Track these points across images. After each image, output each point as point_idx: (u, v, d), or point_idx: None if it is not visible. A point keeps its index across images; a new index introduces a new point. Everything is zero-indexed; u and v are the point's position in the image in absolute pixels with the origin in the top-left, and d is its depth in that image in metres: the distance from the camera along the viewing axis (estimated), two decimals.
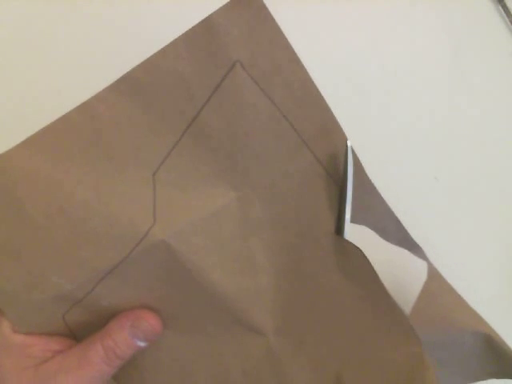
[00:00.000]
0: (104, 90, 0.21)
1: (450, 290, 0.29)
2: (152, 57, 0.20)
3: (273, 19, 0.21)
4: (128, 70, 0.20)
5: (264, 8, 0.20)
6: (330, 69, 0.35)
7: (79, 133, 0.21)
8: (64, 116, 0.21)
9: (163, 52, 0.20)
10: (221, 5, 0.20)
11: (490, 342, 0.27)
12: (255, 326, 0.25)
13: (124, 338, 0.24)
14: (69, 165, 0.21)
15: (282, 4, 0.36)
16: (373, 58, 0.35)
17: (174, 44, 0.20)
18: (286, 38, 0.21)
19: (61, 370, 0.23)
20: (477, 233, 0.34)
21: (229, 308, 0.24)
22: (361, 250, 0.23)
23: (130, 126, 0.21)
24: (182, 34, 0.20)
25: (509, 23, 0.37)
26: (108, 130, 0.21)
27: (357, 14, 0.36)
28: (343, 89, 0.34)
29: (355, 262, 0.23)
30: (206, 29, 0.20)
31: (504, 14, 0.37)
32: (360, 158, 0.23)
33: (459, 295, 0.29)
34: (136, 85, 0.21)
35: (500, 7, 0.37)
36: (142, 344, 0.25)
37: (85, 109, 0.21)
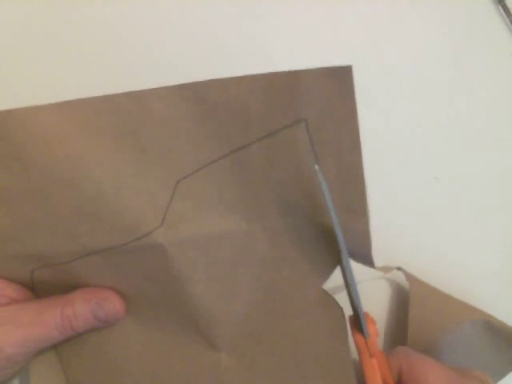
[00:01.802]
0: (164, 88, 0.20)
1: (434, 290, 0.30)
2: (227, 79, 0.21)
3: (354, 101, 0.21)
4: (198, 81, 0.20)
5: (351, 87, 0.21)
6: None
7: (122, 117, 0.21)
8: (111, 96, 0.20)
9: (239, 80, 0.21)
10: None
11: (489, 327, 0.27)
12: (213, 340, 0.26)
13: (85, 312, 0.24)
14: (96, 142, 0.21)
15: (282, 4, 0.36)
16: (373, 57, 0.35)
17: (253, 78, 0.21)
18: (357, 122, 0.22)
19: (11, 321, 0.23)
20: (477, 233, 0.34)
21: (195, 318, 0.25)
22: (341, 310, 0.24)
23: (177, 129, 0.21)
24: (265, 74, 0.21)
25: (509, 23, 0.37)
26: (153, 125, 0.21)
27: (357, 14, 0.36)
28: None
29: (330, 315, 0.25)
30: (291, 80, 0.21)
31: (504, 14, 0.37)
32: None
33: (444, 292, 0.30)
34: (200, 97, 0.21)
35: (500, 7, 0.37)
36: (98, 324, 0.24)
37: (137, 97, 0.20)
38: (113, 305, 0.24)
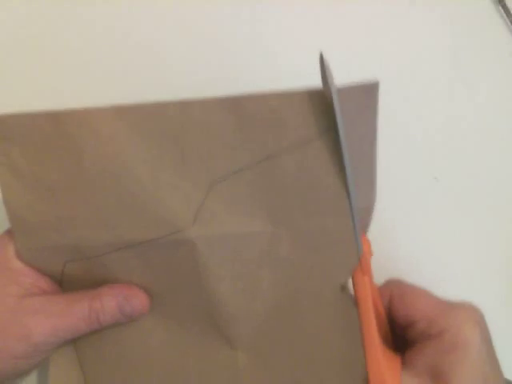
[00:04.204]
0: (207, 99, 0.23)
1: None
2: (268, 95, 0.23)
3: (376, 116, 0.24)
4: (240, 94, 0.23)
5: (375, 103, 0.23)
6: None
7: (168, 122, 0.23)
8: (160, 103, 0.23)
9: (280, 96, 0.23)
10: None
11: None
12: (231, 338, 0.27)
13: (112, 306, 0.25)
14: (142, 143, 0.23)
15: (281, 4, 0.37)
16: (372, 57, 0.36)
17: (294, 95, 0.23)
18: (376, 133, 0.24)
19: (42, 310, 0.24)
20: (477, 233, 0.34)
21: (215, 313, 0.26)
22: (356, 310, 0.25)
23: (215, 135, 0.23)
24: (306, 91, 0.22)
25: (509, 23, 0.37)
26: (193, 130, 0.23)
27: (356, 13, 0.36)
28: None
29: (347, 317, 0.26)
30: (324, 96, 0.22)
31: (504, 14, 0.37)
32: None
33: None
34: (240, 107, 0.23)
35: (500, 7, 0.37)
36: (123, 319, 0.25)
37: (182, 105, 0.23)
38: (139, 301, 0.25)
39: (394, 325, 0.25)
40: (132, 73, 0.34)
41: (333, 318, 0.26)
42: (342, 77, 0.35)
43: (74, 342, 0.27)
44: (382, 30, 0.36)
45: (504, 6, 0.37)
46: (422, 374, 0.22)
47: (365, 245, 0.25)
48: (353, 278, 0.25)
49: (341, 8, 0.36)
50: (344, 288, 0.26)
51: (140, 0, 0.35)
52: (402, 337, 0.25)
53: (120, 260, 0.25)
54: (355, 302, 0.25)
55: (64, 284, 0.26)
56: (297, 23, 0.36)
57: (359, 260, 0.24)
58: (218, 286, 0.25)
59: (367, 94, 0.23)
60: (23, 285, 0.25)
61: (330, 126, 0.23)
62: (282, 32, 0.36)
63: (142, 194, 0.24)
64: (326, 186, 0.24)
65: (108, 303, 0.25)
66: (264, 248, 0.25)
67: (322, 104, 0.23)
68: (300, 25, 0.36)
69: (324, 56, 0.23)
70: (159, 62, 0.35)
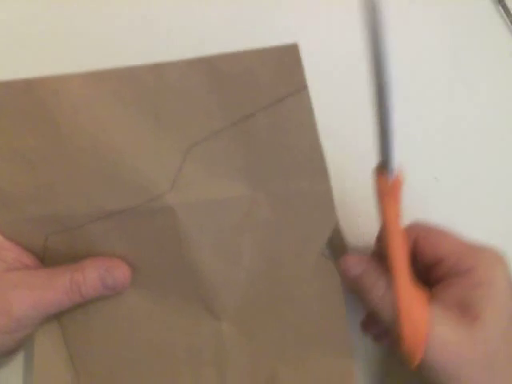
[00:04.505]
0: (181, 61, 0.22)
1: None
2: (241, 52, 0.22)
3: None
4: (212, 54, 0.22)
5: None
6: (330, 68, 0.35)
7: (142, 86, 0.22)
8: (133, 67, 0.22)
9: (253, 54, 0.22)
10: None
11: None
12: (215, 309, 0.26)
13: (94, 278, 0.25)
14: (117, 109, 0.23)
15: (281, 4, 0.36)
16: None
17: (265, 51, 0.22)
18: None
19: (23, 284, 0.24)
20: (477, 233, 0.34)
21: (198, 284, 0.26)
22: (338, 276, 0.26)
23: (191, 99, 0.23)
24: (274, 48, 0.22)
25: (509, 23, 0.37)
26: (168, 94, 0.22)
27: (356, 13, 0.36)
28: (342, 88, 0.34)
29: (328, 282, 0.26)
30: (293, 53, 0.22)
31: (504, 14, 0.37)
32: (360, 158, 0.23)
33: None
34: (214, 69, 0.22)
35: (500, 7, 0.37)
36: (106, 291, 0.25)
37: (156, 68, 0.22)
38: (121, 272, 0.25)
39: (418, 266, 0.25)
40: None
41: (314, 283, 0.27)
42: (341, 76, 0.35)
43: (59, 318, 0.26)
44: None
45: (504, 6, 0.36)
46: (451, 307, 0.22)
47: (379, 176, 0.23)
48: (380, 202, 0.23)
49: (340, 8, 0.36)
50: (324, 252, 0.26)
51: (141, 1, 0.35)
52: (426, 278, 0.25)
53: (101, 231, 0.24)
54: (381, 232, 0.24)
55: (46, 259, 0.26)
56: (296, 23, 0.36)
57: (388, 185, 0.23)
58: (199, 255, 0.25)
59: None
60: (5, 259, 0.25)
61: (303, 83, 0.22)
62: (281, 32, 0.36)
63: (119, 162, 0.23)
64: (301, 147, 0.24)
65: (90, 275, 0.24)
66: (244, 213, 0.25)
67: (294, 60, 0.22)
68: (298, 24, 0.36)
69: None
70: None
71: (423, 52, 0.36)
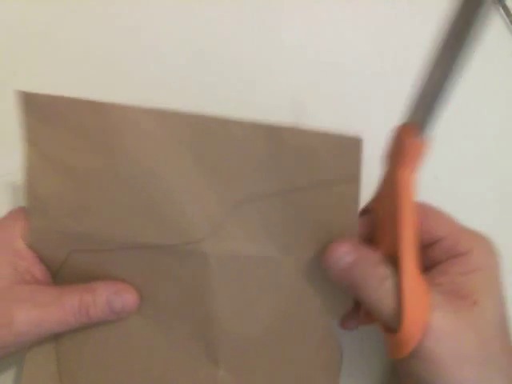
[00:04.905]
0: (250, 122, 0.23)
1: None
2: (305, 130, 0.23)
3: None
4: (281, 125, 0.23)
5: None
6: (329, 68, 0.35)
7: (206, 135, 0.23)
8: (203, 117, 0.23)
9: (316, 133, 0.23)
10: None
11: None
12: (216, 356, 0.27)
13: (103, 301, 0.24)
14: (178, 151, 0.23)
15: (281, 4, 0.37)
16: (372, 57, 0.36)
17: (329, 136, 0.23)
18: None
19: (30, 299, 0.23)
20: None
21: (207, 330, 0.26)
22: (341, 354, 0.26)
23: (250, 158, 0.24)
24: (339, 135, 0.23)
25: (509, 23, 0.37)
26: (232, 149, 0.24)
27: (356, 13, 0.36)
28: (342, 88, 0.34)
29: (330, 356, 0.27)
30: (359, 147, 0.23)
31: (504, 14, 0.37)
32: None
33: None
34: (278, 138, 0.23)
35: (500, 7, 0.37)
36: (112, 315, 0.25)
37: (224, 123, 0.23)
38: (130, 297, 0.25)
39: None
40: (134, 73, 0.34)
41: (318, 353, 0.27)
42: (341, 76, 0.35)
43: (56, 337, 0.26)
44: (381, 29, 0.36)
45: (504, 6, 0.37)
46: (449, 291, 0.22)
47: (408, 132, 0.21)
48: (393, 163, 0.22)
49: (340, 9, 0.36)
50: (334, 326, 0.27)
51: (142, 1, 0.35)
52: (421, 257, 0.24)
53: (126, 258, 0.25)
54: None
55: (59, 275, 0.26)
56: (295, 23, 0.36)
57: (406, 152, 0.21)
58: (219, 304, 0.26)
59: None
60: (18, 268, 0.24)
61: (357, 175, 0.24)
62: (281, 32, 0.36)
63: (167, 200, 0.24)
64: (340, 228, 0.25)
65: (100, 297, 0.24)
66: (271, 274, 0.26)
67: (355, 152, 0.23)
68: (299, 24, 0.36)
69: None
70: (162, 62, 0.35)
71: (423, 52, 0.36)
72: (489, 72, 0.36)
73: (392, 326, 0.21)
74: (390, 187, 0.22)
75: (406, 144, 0.21)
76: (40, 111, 0.23)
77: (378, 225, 0.25)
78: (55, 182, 0.24)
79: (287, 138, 0.23)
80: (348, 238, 0.24)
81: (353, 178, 0.24)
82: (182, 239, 0.24)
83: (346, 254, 0.23)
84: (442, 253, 0.23)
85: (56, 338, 0.26)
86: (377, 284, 0.22)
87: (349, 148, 0.23)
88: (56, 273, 0.26)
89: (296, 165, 0.24)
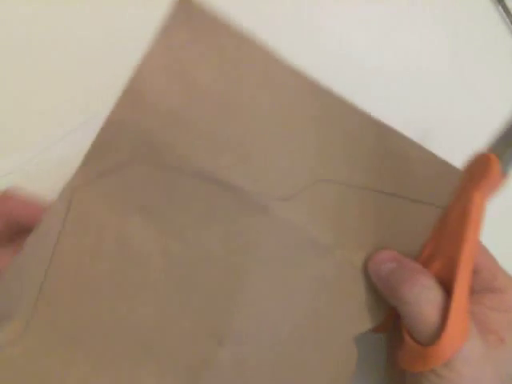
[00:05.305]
0: (367, 115, 0.24)
1: None
2: (417, 145, 0.25)
3: None
4: (391, 127, 0.24)
5: None
6: (329, 68, 0.35)
7: (331, 113, 0.23)
8: (333, 93, 0.23)
9: (426, 152, 0.25)
10: None
11: None
12: (223, 336, 0.24)
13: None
14: (301, 116, 0.23)
15: (281, 5, 0.37)
16: (372, 57, 0.36)
17: (435, 158, 0.25)
18: None
19: None
20: None
21: (223, 303, 0.24)
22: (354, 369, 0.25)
23: (355, 145, 0.24)
24: (443, 161, 0.25)
25: (509, 23, 0.37)
26: (342, 129, 0.23)
27: (355, 13, 0.36)
28: (342, 88, 0.34)
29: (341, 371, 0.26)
30: (457, 177, 0.24)
31: (504, 14, 0.37)
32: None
33: None
34: (388, 141, 0.24)
35: (500, 7, 0.37)
36: None
37: (349, 107, 0.23)
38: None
39: None
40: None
41: (331, 361, 0.26)
42: (341, 76, 0.35)
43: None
44: (381, 30, 0.36)
45: (504, 6, 0.37)
46: (480, 323, 0.22)
47: (493, 162, 0.22)
48: (469, 195, 0.22)
49: (340, 8, 0.36)
50: (354, 337, 0.26)
51: (142, 1, 0.35)
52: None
53: (190, 187, 0.23)
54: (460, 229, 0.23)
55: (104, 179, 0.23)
56: (295, 23, 0.36)
57: (487, 180, 0.22)
58: (252, 276, 0.24)
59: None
60: None
61: (444, 202, 0.24)
62: (280, 32, 0.36)
63: (269, 144, 0.23)
64: (404, 244, 0.25)
65: None
66: (315, 260, 0.25)
67: (452, 182, 0.24)
68: (298, 24, 0.36)
69: None
70: None
71: (423, 52, 0.36)
72: (489, 72, 0.36)
73: (423, 337, 0.22)
74: (460, 206, 0.23)
75: (488, 171, 0.22)
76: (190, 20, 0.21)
77: (431, 240, 0.25)
78: (168, 83, 0.22)
79: (395, 143, 0.24)
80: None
81: (439, 204, 0.24)
82: (260, 188, 0.23)
83: (391, 259, 0.24)
84: (479, 284, 0.24)
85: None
86: (418, 291, 0.22)
87: (449, 177, 0.24)
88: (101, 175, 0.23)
89: (393, 170, 0.24)
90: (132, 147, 0.22)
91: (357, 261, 0.25)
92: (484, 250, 0.25)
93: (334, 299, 0.25)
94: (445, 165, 0.24)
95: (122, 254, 0.23)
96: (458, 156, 0.35)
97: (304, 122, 0.23)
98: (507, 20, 0.37)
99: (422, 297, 0.22)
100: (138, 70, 0.21)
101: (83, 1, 0.35)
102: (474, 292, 0.24)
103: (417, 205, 0.24)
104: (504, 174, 0.22)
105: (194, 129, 0.22)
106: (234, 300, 0.24)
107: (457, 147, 0.35)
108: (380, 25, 0.36)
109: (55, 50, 0.34)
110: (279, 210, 0.23)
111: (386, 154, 0.24)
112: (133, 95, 0.21)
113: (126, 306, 0.23)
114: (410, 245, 0.25)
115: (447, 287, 0.22)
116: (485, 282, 0.24)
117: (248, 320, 0.24)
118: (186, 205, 0.23)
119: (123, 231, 0.23)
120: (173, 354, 0.24)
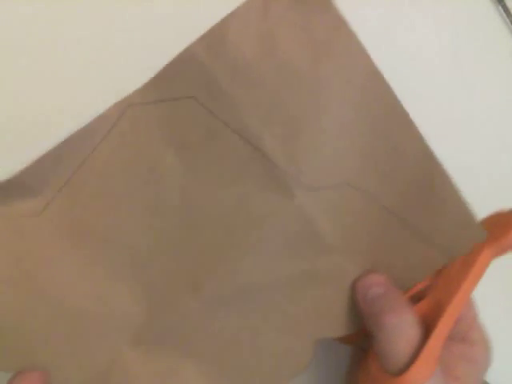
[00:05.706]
0: (424, 143, 0.25)
1: None
2: (457, 192, 0.25)
3: None
4: (444, 168, 0.25)
5: None
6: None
7: (391, 126, 0.24)
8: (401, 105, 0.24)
9: (463, 204, 0.25)
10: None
11: None
12: (198, 285, 0.25)
13: None
14: (355, 116, 0.23)
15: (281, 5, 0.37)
16: (372, 57, 0.36)
17: (469, 214, 0.25)
18: None
19: None
20: None
21: (214, 263, 0.25)
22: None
23: (402, 161, 0.24)
24: (472, 218, 0.25)
25: (509, 23, 0.37)
26: (396, 146, 0.24)
27: (355, 13, 0.36)
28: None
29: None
30: (481, 241, 0.25)
31: (504, 14, 0.37)
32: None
33: None
34: (437, 178, 0.25)
35: (500, 7, 0.37)
36: None
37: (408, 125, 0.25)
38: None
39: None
40: (136, 73, 0.34)
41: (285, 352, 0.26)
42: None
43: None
44: (381, 29, 0.36)
45: (504, 6, 0.37)
46: (445, 367, 0.23)
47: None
48: (481, 246, 0.23)
49: (340, 8, 0.36)
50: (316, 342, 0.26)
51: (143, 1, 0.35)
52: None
53: (232, 143, 0.23)
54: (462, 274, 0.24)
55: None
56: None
57: (503, 238, 0.23)
58: (239, 262, 0.24)
59: None
60: None
61: (458, 257, 0.24)
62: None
63: (317, 129, 0.23)
64: (404, 275, 0.25)
65: None
66: (312, 253, 0.25)
67: (474, 241, 0.24)
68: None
69: None
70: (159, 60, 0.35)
71: (423, 52, 0.36)
72: (489, 72, 0.36)
73: (390, 366, 0.22)
74: (466, 255, 0.23)
75: (509, 232, 0.23)
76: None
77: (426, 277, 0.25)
78: (252, 40, 0.22)
79: (439, 182, 0.24)
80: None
81: (452, 257, 0.24)
82: (294, 170, 0.23)
83: (379, 284, 0.24)
84: (454, 332, 0.24)
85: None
86: (397, 323, 0.22)
87: (473, 234, 0.24)
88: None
89: (424, 205, 0.24)
90: (194, 87, 0.22)
91: (350, 271, 0.25)
92: (470, 301, 0.25)
93: (316, 296, 0.25)
94: (474, 222, 0.24)
95: (149, 176, 0.23)
96: (458, 156, 0.35)
97: (363, 122, 0.23)
98: (507, 20, 0.37)
99: (400, 330, 0.22)
100: (228, 16, 0.21)
101: (83, 1, 0.35)
102: (447, 338, 0.24)
103: (430, 247, 0.24)
104: None
105: (257, 91, 0.22)
106: (223, 262, 0.24)
107: (457, 147, 0.35)
108: (380, 25, 0.36)
109: (55, 50, 0.34)
110: (301, 197, 0.23)
111: (424, 187, 0.24)
112: (214, 39, 0.21)
113: (133, 224, 0.24)
114: (404, 279, 0.25)
115: (427, 326, 0.23)
116: (460, 332, 0.24)
117: (228, 284, 0.25)
118: (219, 157, 0.23)
119: (158, 156, 0.23)
120: (151, 284, 0.25)
